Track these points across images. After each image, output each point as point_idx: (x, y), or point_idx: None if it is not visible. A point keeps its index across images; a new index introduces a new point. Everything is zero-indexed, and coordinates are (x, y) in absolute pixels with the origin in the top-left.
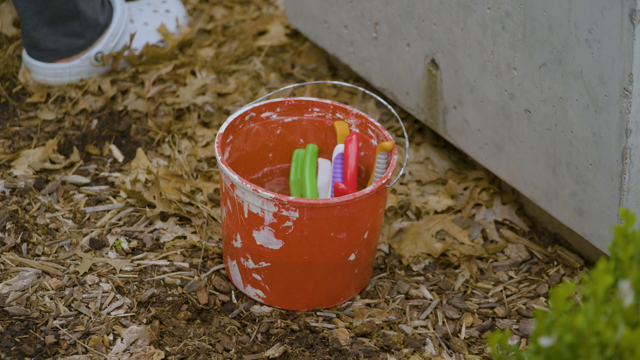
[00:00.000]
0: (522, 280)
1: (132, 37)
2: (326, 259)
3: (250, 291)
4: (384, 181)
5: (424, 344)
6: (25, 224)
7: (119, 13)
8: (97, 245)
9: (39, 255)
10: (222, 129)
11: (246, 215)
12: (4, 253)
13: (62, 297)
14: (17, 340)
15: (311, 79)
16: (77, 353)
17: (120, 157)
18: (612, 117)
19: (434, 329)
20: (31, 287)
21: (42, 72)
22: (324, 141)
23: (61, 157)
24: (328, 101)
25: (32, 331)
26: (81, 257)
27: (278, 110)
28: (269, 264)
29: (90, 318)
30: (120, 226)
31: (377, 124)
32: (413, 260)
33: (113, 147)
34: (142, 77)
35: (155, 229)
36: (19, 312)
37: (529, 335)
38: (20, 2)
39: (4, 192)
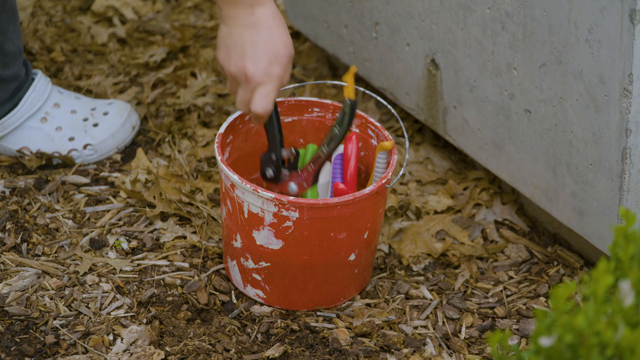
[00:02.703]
0: (522, 280)
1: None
2: (326, 259)
3: (250, 291)
4: (384, 181)
5: (424, 344)
6: (25, 224)
7: (22, 109)
8: (97, 245)
9: (39, 255)
10: (222, 129)
11: (246, 215)
12: (4, 253)
13: (62, 297)
14: (17, 340)
15: (311, 79)
16: (77, 353)
17: (120, 157)
18: (612, 117)
19: (434, 329)
20: (31, 287)
21: None
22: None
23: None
24: (328, 101)
25: (32, 331)
26: (81, 257)
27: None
28: (269, 264)
29: (90, 318)
30: (120, 226)
31: (377, 124)
32: (413, 260)
33: None
34: (140, 80)
35: (155, 229)
36: (19, 312)
37: (529, 335)
38: None
39: (4, 192)
